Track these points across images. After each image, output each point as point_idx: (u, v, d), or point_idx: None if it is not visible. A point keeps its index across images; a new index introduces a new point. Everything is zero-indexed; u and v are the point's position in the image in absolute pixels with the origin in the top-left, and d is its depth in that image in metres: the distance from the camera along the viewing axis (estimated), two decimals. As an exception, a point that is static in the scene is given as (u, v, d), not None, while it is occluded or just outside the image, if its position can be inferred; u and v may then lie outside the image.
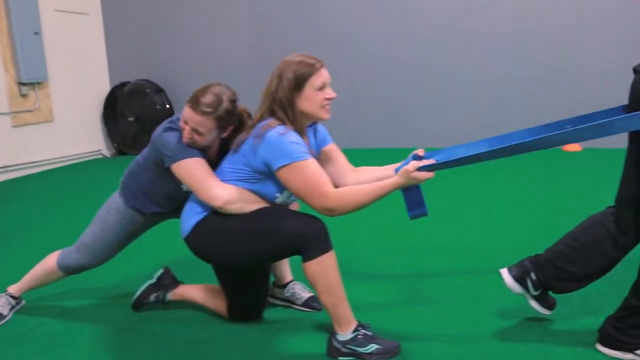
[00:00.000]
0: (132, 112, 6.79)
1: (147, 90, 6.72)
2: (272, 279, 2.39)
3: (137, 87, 6.78)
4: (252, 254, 1.95)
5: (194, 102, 1.99)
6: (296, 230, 1.88)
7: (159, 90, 6.84)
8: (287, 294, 2.36)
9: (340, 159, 2.18)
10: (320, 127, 2.19)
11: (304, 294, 2.34)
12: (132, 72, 7.02)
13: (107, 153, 7.08)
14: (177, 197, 2.17)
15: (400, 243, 3.19)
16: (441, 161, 1.93)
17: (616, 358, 1.88)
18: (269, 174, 1.94)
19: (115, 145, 7.04)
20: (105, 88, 7.10)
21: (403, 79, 6.45)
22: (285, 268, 2.39)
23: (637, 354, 1.85)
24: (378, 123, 6.58)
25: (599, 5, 5.86)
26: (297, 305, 2.35)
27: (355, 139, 6.37)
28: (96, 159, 6.88)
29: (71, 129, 6.57)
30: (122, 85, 6.89)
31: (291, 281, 2.38)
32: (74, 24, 6.65)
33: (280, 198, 2.01)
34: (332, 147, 2.18)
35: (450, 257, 2.93)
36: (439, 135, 6.26)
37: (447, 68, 6.33)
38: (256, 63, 6.61)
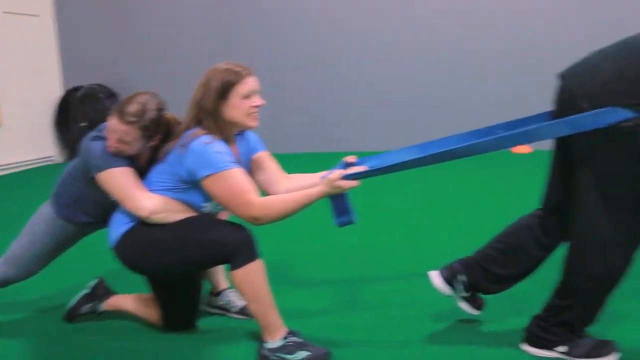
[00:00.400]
0: (84, 117, 6.66)
1: (100, 95, 6.60)
2: (209, 287, 2.38)
3: (90, 91, 6.65)
4: (179, 264, 1.94)
5: (119, 111, 1.97)
6: (221, 239, 1.87)
7: (112, 95, 6.72)
8: (222, 302, 2.35)
9: (272, 166, 2.18)
10: (251, 134, 2.18)
11: (239, 302, 2.33)
12: (87, 77, 6.89)
13: (58, 159, 6.92)
14: (106, 207, 2.14)
15: (336, 249, 3.18)
16: (371, 169, 1.94)
17: (539, 356, 1.93)
18: (195, 184, 1.93)
19: (67, 151, 6.89)
20: (57, 92, 6.95)
21: (339, 83, 6.53)
22: (220, 276, 2.38)
23: (555, 351, 1.90)
24: (314, 127, 6.63)
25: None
26: (231, 313, 2.33)
27: (291, 144, 6.41)
28: (47, 165, 6.72)
29: (21, 134, 6.41)
30: (76, 89, 6.75)
31: (226, 289, 2.37)
32: (23, 26, 6.50)
33: (207, 207, 2.00)
34: (263, 155, 2.18)
35: (386, 262, 2.95)
36: (375, 139, 6.35)
37: (383, 72, 6.42)
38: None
